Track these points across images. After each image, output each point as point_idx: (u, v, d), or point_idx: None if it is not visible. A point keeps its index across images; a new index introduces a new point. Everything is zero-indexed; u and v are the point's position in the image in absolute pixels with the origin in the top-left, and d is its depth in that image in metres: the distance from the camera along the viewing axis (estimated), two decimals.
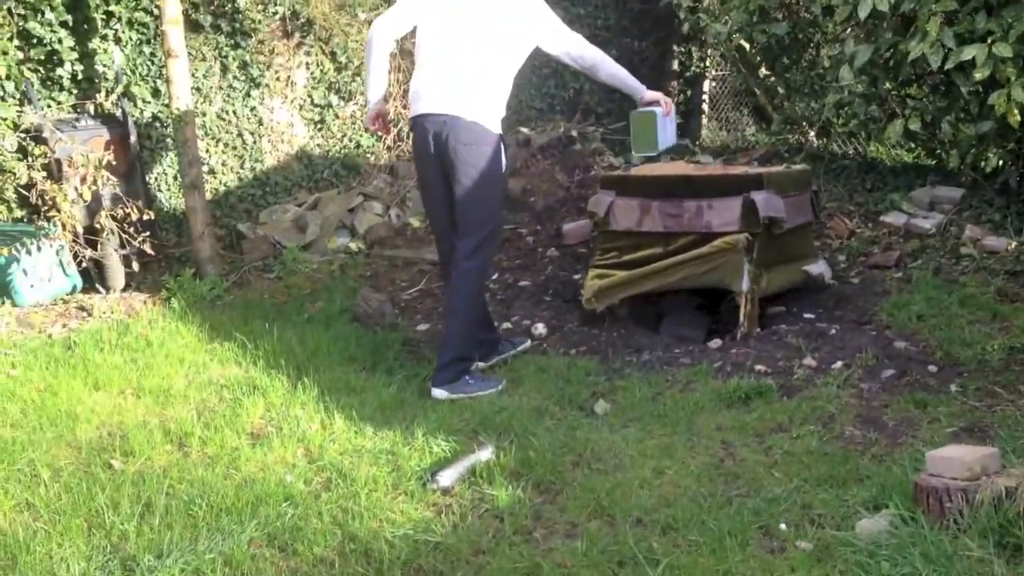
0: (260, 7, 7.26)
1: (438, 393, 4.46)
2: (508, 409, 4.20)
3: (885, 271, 5.61)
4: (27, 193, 5.82)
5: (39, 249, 5.97)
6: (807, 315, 5.14)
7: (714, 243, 4.98)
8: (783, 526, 3.14)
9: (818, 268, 5.38)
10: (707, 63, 10.29)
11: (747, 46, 7.93)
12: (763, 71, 8.33)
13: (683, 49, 10.23)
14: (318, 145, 7.89)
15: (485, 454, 3.72)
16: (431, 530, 3.26)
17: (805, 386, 4.28)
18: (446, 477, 3.58)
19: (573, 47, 4.83)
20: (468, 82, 4.55)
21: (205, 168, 6.96)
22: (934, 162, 7.00)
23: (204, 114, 7.12)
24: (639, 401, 4.28)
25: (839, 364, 4.45)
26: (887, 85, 6.43)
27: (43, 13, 6.30)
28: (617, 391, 4.44)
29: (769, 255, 5.04)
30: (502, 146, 4.62)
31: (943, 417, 3.84)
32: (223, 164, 7.34)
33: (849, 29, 6.59)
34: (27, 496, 3.62)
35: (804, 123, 7.82)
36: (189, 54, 6.64)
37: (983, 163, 6.29)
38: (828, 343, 4.73)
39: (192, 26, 6.86)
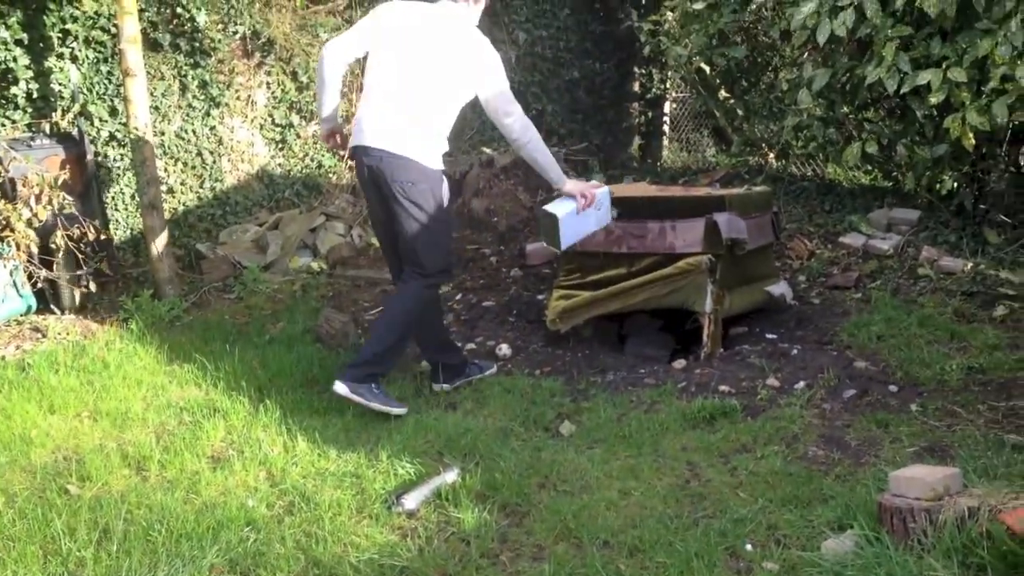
0: (220, 27, 7.21)
1: (339, 387, 4.36)
2: (473, 430, 4.17)
3: (845, 292, 5.68)
4: None
5: None
6: (769, 335, 5.18)
7: (678, 264, 5.01)
8: (749, 547, 3.14)
9: (780, 289, 5.43)
10: (667, 85, 10.42)
11: (707, 69, 8.03)
12: (723, 93, 8.44)
13: (644, 71, 10.35)
14: (279, 164, 7.84)
15: (451, 476, 3.69)
16: (396, 554, 3.22)
17: (769, 406, 4.31)
18: (411, 500, 3.54)
19: (505, 116, 4.52)
20: (410, 119, 4.42)
21: (164, 188, 6.88)
22: (891, 184, 7.13)
23: (163, 133, 7.04)
24: (604, 422, 4.28)
25: (801, 384, 4.49)
26: (844, 109, 6.55)
27: None
28: (582, 412, 4.44)
29: (732, 276, 5.07)
30: (443, 182, 4.51)
31: (904, 437, 3.88)
32: (182, 183, 7.25)
33: (807, 53, 6.70)
34: None
35: (764, 145, 7.93)
36: (148, 73, 6.57)
37: (938, 185, 6.43)
38: (790, 363, 4.77)
39: (151, 45, 6.79)
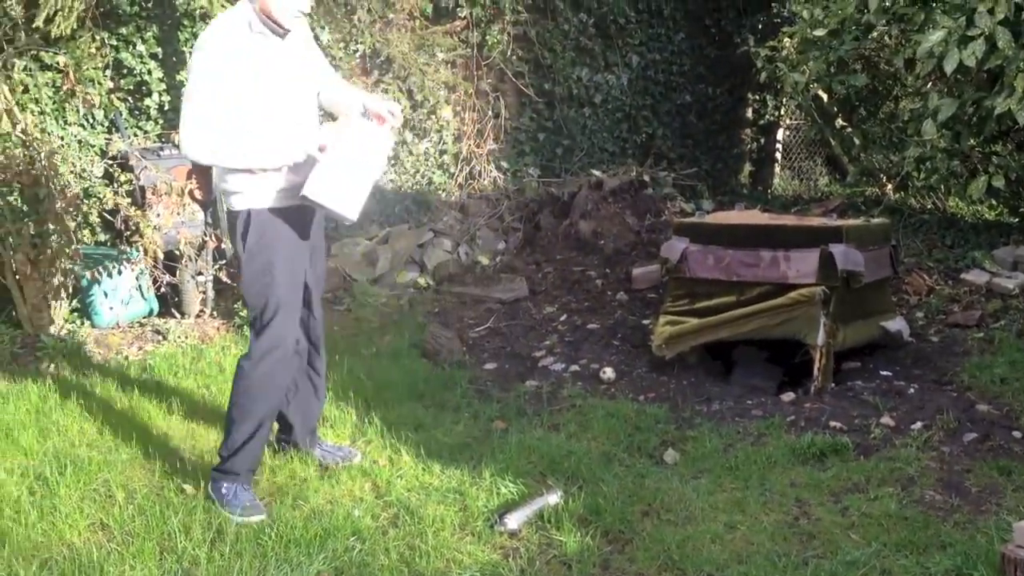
0: (342, 44, 7.42)
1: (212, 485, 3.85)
2: (576, 454, 4.16)
3: (966, 330, 5.47)
4: (111, 218, 5.98)
5: (120, 272, 6.13)
6: (884, 372, 5.02)
7: (790, 295, 4.91)
8: None
9: (896, 324, 5.26)
10: (782, 112, 10.25)
11: (824, 96, 7.87)
12: (840, 122, 8.27)
13: (758, 97, 10.22)
14: (391, 180, 7.99)
15: (553, 498, 3.68)
16: (498, 573, 3.23)
17: (883, 446, 4.17)
18: (514, 520, 3.54)
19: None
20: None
21: None
22: (1017, 220, 6.84)
23: None
24: (710, 452, 4.21)
25: (918, 425, 4.33)
26: (971, 141, 6.32)
27: (135, 45, 6.52)
28: (687, 440, 4.38)
29: (846, 309, 4.94)
30: (249, 220, 3.74)
31: None
32: None
33: (932, 83, 6.51)
34: (101, 516, 3.68)
35: (882, 176, 7.72)
36: None
37: None
38: (906, 402, 4.61)
39: None
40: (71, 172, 5.82)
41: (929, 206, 7.60)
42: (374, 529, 3.56)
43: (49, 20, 5.58)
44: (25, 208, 5.77)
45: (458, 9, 7.97)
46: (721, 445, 4.28)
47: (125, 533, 3.55)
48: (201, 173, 6.51)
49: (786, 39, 8.00)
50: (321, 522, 3.58)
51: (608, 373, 5.30)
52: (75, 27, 5.76)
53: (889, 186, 7.58)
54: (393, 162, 7.98)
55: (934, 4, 6.19)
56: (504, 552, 3.41)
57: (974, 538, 3.27)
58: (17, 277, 5.89)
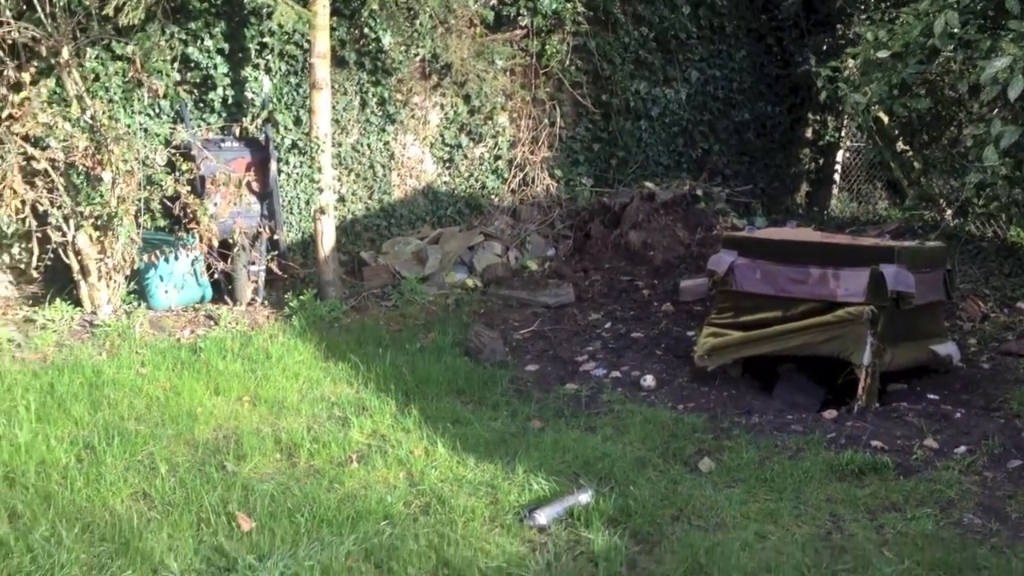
0: (403, 48, 7.53)
1: None
2: (611, 456, 4.16)
3: (1018, 359, 5.35)
4: (171, 204, 6.14)
5: (176, 258, 6.29)
6: (931, 396, 4.94)
7: (837, 312, 4.86)
8: None
9: (946, 349, 5.17)
10: (842, 133, 10.14)
11: (885, 119, 7.77)
12: (900, 145, 8.15)
13: (818, 117, 10.13)
14: (445, 183, 8.08)
15: (584, 497, 3.69)
16: (525, 566, 3.25)
17: (924, 467, 4.10)
18: (544, 515, 3.56)
19: None
20: None
21: (335, 196, 7.21)
22: None
23: (340, 145, 7.39)
24: (746, 463, 4.18)
25: (962, 449, 4.25)
26: None
27: (203, 40, 6.69)
28: (723, 450, 4.35)
29: (895, 330, 4.88)
30: None
31: None
32: (353, 193, 7.59)
33: (995, 110, 6.39)
34: (144, 486, 3.78)
35: (941, 201, 7.60)
36: (332, 87, 6.93)
37: None
38: (952, 426, 4.53)
39: (338, 61, 7.17)
40: (135, 159, 5.98)
41: (988, 234, 7.45)
42: (405, 515, 3.61)
43: (118, 9, 5.75)
44: (89, 191, 5.94)
45: (519, 18, 8.04)
46: (758, 457, 4.25)
47: (165, 503, 3.64)
48: (259, 166, 6.67)
49: (849, 60, 7.91)
50: (355, 505, 3.64)
51: (648, 381, 5.29)
52: (143, 18, 5.92)
53: (948, 212, 7.45)
54: (448, 165, 8.07)
55: (1000, 32, 6.08)
56: (532, 546, 3.42)
57: (1010, 562, 3.21)
58: (79, 257, 6.07)
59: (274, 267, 6.44)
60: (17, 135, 5.66)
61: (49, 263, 5.98)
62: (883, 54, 6.94)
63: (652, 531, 3.51)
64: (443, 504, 3.68)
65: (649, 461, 4.20)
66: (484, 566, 3.23)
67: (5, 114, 5.65)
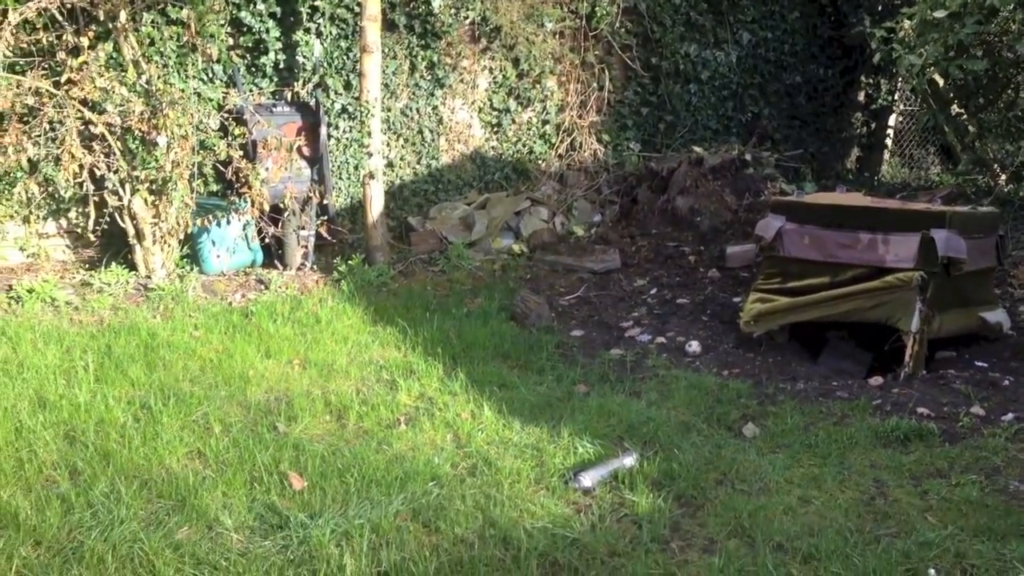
0: (453, 11, 7.53)
1: None
2: (656, 420, 4.20)
3: None
4: (223, 169, 6.24)
5: (228, 222, 6.40)
6: (979, 363, 4.90)
7: (886, 278, 4.83)
8: (932, 572, 3.01)
9: (996, 316, 5.11)
10: (895, 96, 9.95)
11: (940, 81, 7.61)
12: (955, 109, 7.98)
13: (871, 80, 9.95)
14: (492, 148, 8.10)
15: (629, 461, 3.74)
16: (569, 526, 3.31)
17: (970, 435, 4.08)
18: (588, 478, 3.62)
19: None
20: None
21: (384, 161, 7.27)
22: None
23: (389, 110, 7.44)
24: (790, 429, 4.19)
25: (1010, 416, 4.22)
26: None
27: (255, 4, 6.75)
28: (768, 416, 4.37)
29: (944, 297, 4.83)
30: None
31: None
32: (401, 159, 7.64)
33: None
34: (199, 445, 3.90)
35: (995, 166, 7.45)
36: (382, 51, 6.95)
37: None
38: (999, 394, 4.49)
39: (387, 25, 7.19)
40: (190, 123, 6.07)
41: None
42: (452, 476, 3.69)
43: None
44: (145, 155, 6.06)
45: None
46: (803, 423, 4.26)
47: (220, 462, 3.76)
48: (310, 130, 6.74)
49: (904, 20, 7.74)
50: (402, 466, 3.72)
51: (694, 346, 5.31)
52: None
53: (1002, 177, 7.30)
54: (496, 130, 8.08)
55: None
56: (576, 508, 3.49)
57: None
58: (134, 221, 6.21)
59: (324, 232, 6.53)
60: (75, 99, 5.78)
61: (105, 227, 6.13)
62: (940, 14, 6.78)
63: (696, 494, 3.56)
64: (489, 466, 3.76)
65: (693, 426, 4.24)
66: (530, 526, 3.30)
67: (64, 78, 5.77)
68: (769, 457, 3.90)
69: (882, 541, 3.20)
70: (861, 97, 10.09)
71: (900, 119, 10.20)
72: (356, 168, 7.30)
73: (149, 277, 6.26)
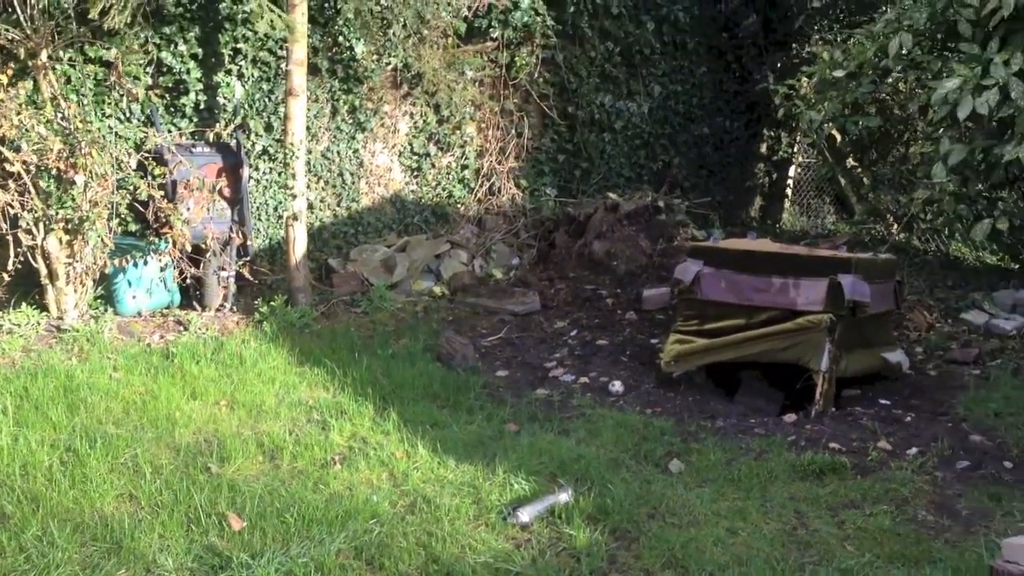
0: (375, 57, 7.65)
1: None
2: (586, 458, 4.33)
3: (963, 367, 5.65)
4: (143, 209, 6.16)
5: (146, 263, 6.31)
6: (883, 401, 5.21)
7: (798, 320, 5.10)
8: None
9: (897, 356, 5.44)
10: (795, 149, 10.48)
11: (838, 136, 8.09)
12: (851, 162, 8.49)
13: (772, 134, 10.46)
14: (412, 191, 8.21)
15: (564, 496, 3.85)
16: (511, 561, 3.39)
17: (879, 467, 4.34)
18: (526, 513, 3.71)
19: None
20: None
21: (305, 203, 7.28)
22: (1018, 266, 7.04)
23: (310, 152, 7.47)
24: (713, 464, 4.38)
25: (914, 450, 4.51)
26: (978, 186, 6.53)
27: (176, 44, 6.73)
28: (692, 452, 4.55)
29: (850, 338, 5.13)
30: None
31: (1018, 512, 3.87)
32: (321, 201, 7.67)
33: (943, 129, 6.72)
34: (130, 488, 3.84)
35: (888, 215, 7.93)
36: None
37: None
38: (903, 429, 4.79)
39: (311, 69, 7.22)
40: (109, 162, 6.00)
41: (932, 248, 7.80)
42: (392, 514, 3.73)
43: (104, 12, 5.76)
44: (61, 194, 5.95)
45: (490, 30, 8.20)
46: (724, 458, 4.46)
47: (153, 504, 3.72)
48: (230, 172, 6.72)
49: (804, 79, 8.23)
50: (342, 505, 3.75)
51: (617, 386, 5.48)
52: (128, 22, 5.94)
53: (895, 226, 7.79)
54: (416, 173, 8.19)
55: (950, 54, 6.41)
56: (516, 542, 3.57)
57: (963, 555, 3.44)
58: (47, 261, 6.07)
59: (246, 273, 6.49)
60: None
61: (18, 267, 5.97)
62: (838, 73, 7.25)
63: (630, 528, 3.69)
64: (428, 503, 3.81)
65: (622, 462, 4.38)
66: (472, 562, 3.37)
67: None
68: (696, 491, 4.07)
69: (807, 569, 3.39)
70: (764, 149, 10.60)
71: (799, 170, 10.75)
72: (276, 209, 7.30)
73: (61, 318, 6.10)
